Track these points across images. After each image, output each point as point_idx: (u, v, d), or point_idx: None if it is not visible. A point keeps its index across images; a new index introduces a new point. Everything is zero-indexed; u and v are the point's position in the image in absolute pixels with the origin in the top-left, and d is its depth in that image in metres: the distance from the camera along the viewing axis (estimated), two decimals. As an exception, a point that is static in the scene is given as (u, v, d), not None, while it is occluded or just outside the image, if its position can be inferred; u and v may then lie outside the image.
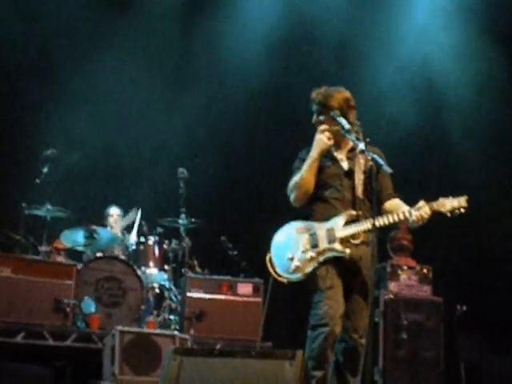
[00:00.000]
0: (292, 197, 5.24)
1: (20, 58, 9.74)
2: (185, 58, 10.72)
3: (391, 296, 8.42)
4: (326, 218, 5.13)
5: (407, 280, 8.68)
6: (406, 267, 8.71)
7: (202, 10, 10.67)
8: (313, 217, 5.20)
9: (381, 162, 4.74)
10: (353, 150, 5.24)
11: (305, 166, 5.16)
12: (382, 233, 4.89)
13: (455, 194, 5.04)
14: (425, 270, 8.80)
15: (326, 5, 10.32)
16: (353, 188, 5.19)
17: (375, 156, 4.77)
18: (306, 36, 10.51)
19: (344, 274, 5.07)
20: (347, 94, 5.24)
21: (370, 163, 5.07)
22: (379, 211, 5.24)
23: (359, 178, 5.20)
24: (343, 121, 5.06)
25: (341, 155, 5.29)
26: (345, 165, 5.24)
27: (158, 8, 10.50)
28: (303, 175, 5.15)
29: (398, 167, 5.08)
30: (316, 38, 10.45)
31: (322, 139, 5.14)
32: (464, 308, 8.69)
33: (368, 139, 4.94)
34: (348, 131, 5.02)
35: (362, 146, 4.88)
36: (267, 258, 5.18)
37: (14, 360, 7.39)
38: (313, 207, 5.24)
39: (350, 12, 10.39)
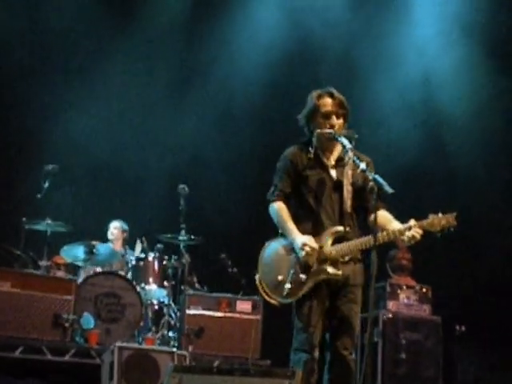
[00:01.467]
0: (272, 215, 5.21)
1: (21, 69, 9.74)
2: (188, 71, 10.74)
3: (390, 315, 8.42)
4: (315, 233, 5.05)
5: (406, 299, 8.68)
6: (405, 287, 8.72)
7: (206, 22, 10.68)
8: (298, 228, 5.07)
9: (382, 181, 4.69)
10: (341, 159, 5.18)
11: (284, 228, 5.09)
12: (381, 252, 4.85)
13: (455, 210, 5.00)
14: (424, 290, 8.81)
15: (328, 21, 10.34)
16: (341, 202, 5.13)
17: (376, 176, 4.70)
18: (308, 51, 10.53)
19: (330, 293, 5.04)
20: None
21: (360, 177, 5.08)
22: (366, 223, 5.20)
23: (347, 191, 5.13)
24: (345, 140, 5.02)
25: (329, 162, 5.20)
26: (333, 173, 5.16)
27: (163, 15, 10.51)
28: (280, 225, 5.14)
29: (399, 187, 5.05)
30: (318, 53, 10.47)
31: (304, 254, 4.97)
32: (463, 328, 8.69)
33: (369, 159, 4.90)
34: (348, 151, 5.00)
35: (363, 166, 4.84)
36: (256, 278, 5.10)
37: (11, 375, 7.39)
38: (298, 218, 5.13)
39: (352, 29, 10.43)
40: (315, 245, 4.96)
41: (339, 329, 5.03)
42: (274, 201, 5.19)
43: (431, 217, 4.95)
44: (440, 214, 4.93)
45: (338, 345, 5.00)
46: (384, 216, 5.05)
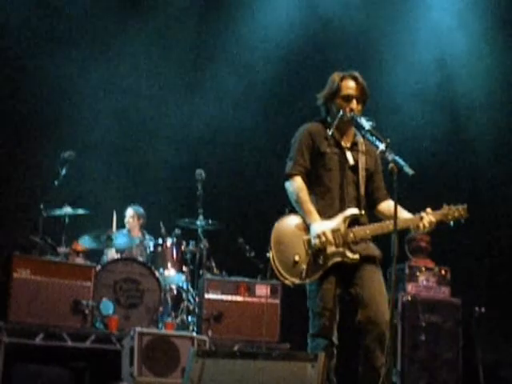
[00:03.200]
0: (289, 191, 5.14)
1: (36, 60, 9.73)
2: (200, 57, 10.70)
3: (409, 297, 8.40)
4: (329, 213, 5.02)
5: (425, 281, 8.66)
6: (424, 268, 8.70)
7: (222, 3, 10.65)
8: (313, 206, 5.03)
9: (402, 163, 4.65)
10: (355, 143, 5.18)
11: (302, 208, 5.02)
12: (399, 234, 4.83)
13: (475, 195, 5.05)
14: (443, 272, 8.79)
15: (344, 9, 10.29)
16: (357, 184, 5.11)
17: (397, 158, 4.64)
18: (322, 38, 10.48)
19: (346, 273, 4.98)
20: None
21: (373, 164, 5.14)
22: (373, 211, 5.22)
23: (362, 176, 5.13)
24: (364, 121, 4.99)
25: (346, 145, 5.17)
26: (350, 157, 5.14)
27: (174, 5, 10.48)
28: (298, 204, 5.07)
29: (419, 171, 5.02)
30: (333, 41, 10.42)
31: (319, 243, 4.93)
32: (482, 309, 8.66)
33: (388, 140, 4.86)
34: (368, 131, 4.97)
35: (382, 146, 4.80)
36: (270, 257, 5.01)
37: (32, 361, 7.43)
38: (313, 195, 5.08)
39: (367, 13, 10.36)
40: (331, 237, 4.91)
41: (366, 298, 4.92)
42: (293, 175, 5.11)
43: (445, 208, 5.02)
44: (453, 206, 5.02)
45: (371, 315, 4.86)
46: (391, 205, 4.90)
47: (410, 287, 8.59)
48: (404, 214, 5.03)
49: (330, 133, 5.12)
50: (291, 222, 5.08)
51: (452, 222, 5.02)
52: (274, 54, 10.46)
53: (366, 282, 4.97)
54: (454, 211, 5.00)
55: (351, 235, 4.97)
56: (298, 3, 10.45)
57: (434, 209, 5.02)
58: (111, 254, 8.72)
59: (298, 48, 10.46)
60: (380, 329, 4.84)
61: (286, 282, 4.99)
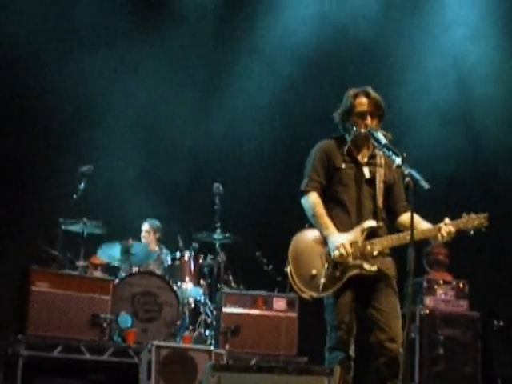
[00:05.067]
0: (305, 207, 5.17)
1: (54, 68, 9.79)
2: (219, 68, 10.73)
3: (427, 311, 8.38)
4: (346, 227, 5.04)
5: (443, 295, 8.63)
6: (442, 282, 8.67)
7: (238, 13, 10.71)
8: (331, 221, 5.06)
9: (418, 177, 4.66)
10: (373, 157, 5.21)
11: (318, 222, 5.05)
12: (417, 247, 4.83)
13: (490, 208, 5.03)
14: (461, 285, 8.76)
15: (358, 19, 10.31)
16: (373, 197, 5.13)
17: (413, 171, 4.66)
18: (337, 47, 10.50)
19: (364, 287, 5.01)
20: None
21: (391, 176, 5.15)
22: (394, 223, 5.23)
23: (380, 188, 5.15)
24: (381, 136, 5.01)
25: (363, 160, 5.21)
26: (366, 171, 5.17)
27: (195, 7, 10.53)
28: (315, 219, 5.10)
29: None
30: (346, 49, 10.44)
31: (338, 256, 4.95)
32: (501, 323, 8.62)
33: (405, 154, 4.87)
34: (385, 146, 4.98)
35: (398, 160, 4.80)
36: (288, 271, 5.03)
37: (51, 374, 7.47)
38: (330, 211, 5.11)
39: (384, 20, 10.40)
40: (350, 249, 4.94)
41: (382, 322, 4.95)
42: (309, 191, 5.16)
43: (465, 216, 5.01)
44: (473, 214, 5.00)
45: (383, 338, 4.91)
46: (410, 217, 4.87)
47: (428, 301, 8.56)
48: (423, 225, 5.04)
49: (346, 149, 5.16)
50: (309, 236, 5.12)
51: (472, 231, 4.99)
52: (293, 68, 10.47)
53: (382, 306, 5.00)
54: (475, 219, 4.98)
55: (369, 247, 4.99)
56: (310, 20, 10.47)
57: (452, 219, 5.01)
58: (129, 267, 8.74)
59: (316, 63, 10.48)
60: (392, 353, 4.89)
61: (304, 295, 5.01)
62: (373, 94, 5.15)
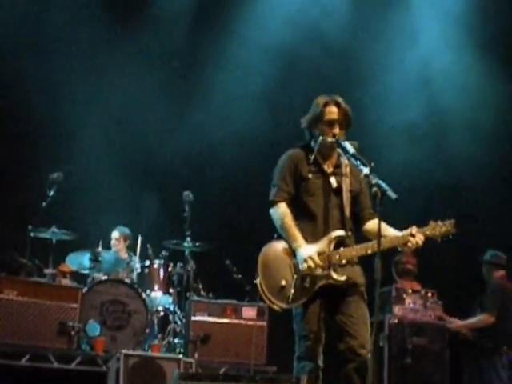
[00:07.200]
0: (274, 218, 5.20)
1: (25, 75, 9.73)
2: (191, 77, 10.74)
3: (396, 320, 8.41)
4: (314, 237, 5.07)
5: (412, 304, 8.67)
6: (410, 291, 8.70)
7: (213, 13, 10.72)
8: (298, 231, 5.09)
9: (385, 187, 4.68)
10: (338, 166, 5.24)
11: (287, 234, 5.08)
12: (386, 257, 4.86)
13: (460, 212, 5.08)
14: (430, 294, 8.79)
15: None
16: (341, 206, 5.15)
17: (380, 182, 4.69)
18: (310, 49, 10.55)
19: (333, 297, 5.03)
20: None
21: (357, 185, 5.19)
22: (360, 230, 5.26)
23: (347, 197, 5.17)
24: (348, 145, 5.04)
25: (329, 169, 5.24)
26: (333, 181, 5.19)
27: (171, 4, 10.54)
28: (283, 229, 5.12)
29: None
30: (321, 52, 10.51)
31: (306, 268, 4.97)
32: (469, 332, 8.67)
33: (372, 164, 4.89)
34: (353, 155, 5.01)
35: (366, 170, 4.84)
36: (257, 283, 5.06)
37: (18, 383, 7.39)
38: (298, 221, 5.13)
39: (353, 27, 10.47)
40: (319, 261, 4.95)
41: (353, 330, 4.97)
42: (277, 202, 5.19)
43: (432, 224, 5.05)
44: (440, 222, 5.03)
45: (354, 344, 4.93)
46: (377, 224, 4.88)
47: (396, 310, 8.58)
48: (390, 232, 5.07)
49: (312, 158, 5.18)
50: (277, 247, 5.13)
51: (439, 239, 5.03)
52: (270, 72, 10.51)
53: (352, 312, 5.02)
54: (442, 226, 5.02)
55: (337, 257, 5.01)
56: (288, 17, 10.50)
57: (417, 227, 5.04)
58: (98, 275, 8.70)
59: (293, 69, 10.55)
60: (362, 359, 4.91)
61: (274, 306, 5.03)
62: (343, 103, 5.19)
